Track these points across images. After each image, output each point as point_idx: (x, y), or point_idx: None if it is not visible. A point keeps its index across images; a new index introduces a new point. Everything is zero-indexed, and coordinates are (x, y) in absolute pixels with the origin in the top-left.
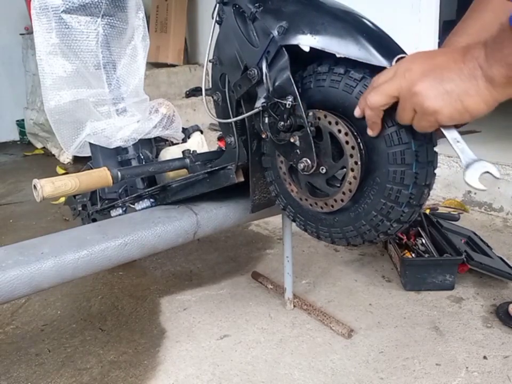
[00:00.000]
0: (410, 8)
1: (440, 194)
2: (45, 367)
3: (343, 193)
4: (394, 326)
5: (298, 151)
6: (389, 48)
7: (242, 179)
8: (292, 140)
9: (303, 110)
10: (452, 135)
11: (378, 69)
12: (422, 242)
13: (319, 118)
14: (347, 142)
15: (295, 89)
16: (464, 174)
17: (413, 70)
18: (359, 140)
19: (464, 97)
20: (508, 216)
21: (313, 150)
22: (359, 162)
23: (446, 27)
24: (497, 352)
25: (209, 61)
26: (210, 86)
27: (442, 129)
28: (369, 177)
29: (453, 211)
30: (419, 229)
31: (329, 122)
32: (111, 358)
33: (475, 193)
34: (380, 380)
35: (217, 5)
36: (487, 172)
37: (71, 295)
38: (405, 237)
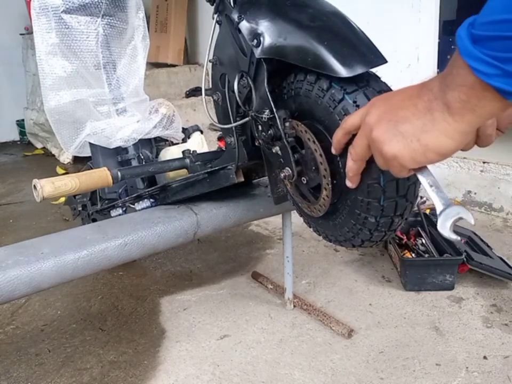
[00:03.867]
0: (410, 8)
1: None
2: (45, 367)
3: (320, 205)
4: (394, 326)
5: (281, 160)
6: (359, 53)
7: (242, 179)
8: (273, 150)
9: (279, 122)
10: (425, 178)
11: (362, 91)
12: (422, 242)
13: (301, 132)
14: (321, 163)
15: (271, 101)
16: (437, 221)
17: (371, 114)
18: (337, 159)
19: (420, 134)
20: (508, 216)
21: (292, 160)
22: (329, 185)
23: (446, 27)
24: (497, 352)
25: (209, 61)
26: (210, 86)
27: (415, 172)
28: (342, 198)
29: None
30: (419, 229)
31: (308, 139)
32: (111, 358)
33: (475, 193)
34: (379, 380)
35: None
36: (461, 218)
37: (71, 295)
38: (405, 237)
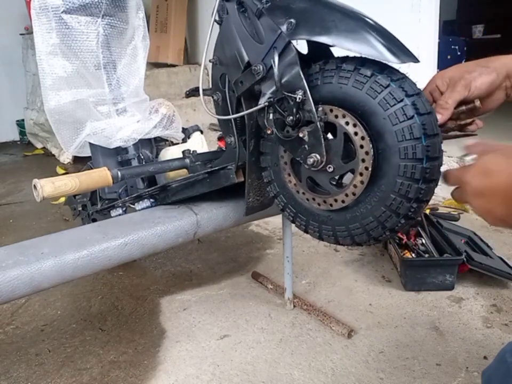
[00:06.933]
0: (410, 8)
1: (440, 194)
2: (45, 367)
3: (346, 195)
4: (394, 326)
5: (306, 146)
6: (400, 47)
7: (242, 179)
8: (300, 135)
9: (313, 105)
10: None
11: (405, 80)
12: (422, 242)
13: (336, 116)
14: (361, 146)
15: (305, 83)
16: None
17: (476, 178)
18: (373, 145)
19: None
20: None
21: (323, 145)
22: (369, 168)
23: (446, 27)
24: (497, 352)
25: (209, 61)
26: (210, 86)
27: None
28: (374, 184)
29: (453, 211)
30: (419, 229)
31: (347, 123)
32: (111, 358)
33: None
34: (379, 380)
35: (218, 2)
36: None
37: (71, 295)
38: (405, 237)
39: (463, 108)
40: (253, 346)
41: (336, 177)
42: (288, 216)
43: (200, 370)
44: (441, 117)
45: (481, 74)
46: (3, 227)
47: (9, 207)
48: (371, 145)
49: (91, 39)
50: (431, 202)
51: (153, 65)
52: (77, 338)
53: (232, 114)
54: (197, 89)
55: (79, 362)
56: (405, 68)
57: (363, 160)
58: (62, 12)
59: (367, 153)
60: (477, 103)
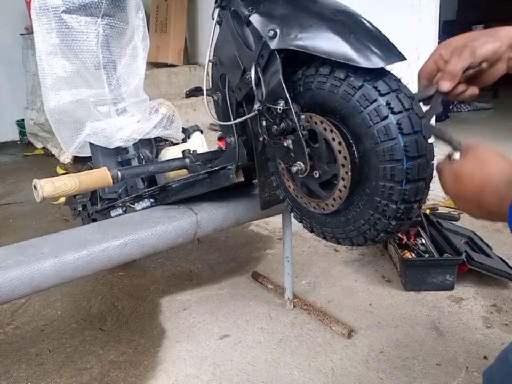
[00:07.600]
0: (410, 8)
1: (440, 194)
2: (45, 367)
3: (334, 199)
4: (394, 326)
5: (292, 154)
6: (380, 48)
7: (242, 179)
8: (285, 144)
9: (294, 114)
10: None
11: (380, 78)
12: (422, 242)
13: (315, 123)
14: (340, 152)
15: (286, 93)
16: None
17: (464, 162)
18: (353, 149)
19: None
20: None
21: (306, 153)
22: (349, 173)
23: (446, 27)
24: (497, 352)
25: (209, 61)
26: (210, 86)
27: None
28: (360, 188)
29: (453, 211)
30: (419, 229)
31: (325, 129)
32: (111, 358)
33: None
34: (379, 380)
35: (217, 10)
36: None
37: (71, 295)
38: (405, 237)
39: (470, 71)
40: (253, 346)
41: (334, 183)
42: (296, 218)
43: (200, 370)
44: (450, 83)
45: (486, 43)
46: (3, 227)
47: (9, 207)
48: (348, 150)
49: (91, 39)
50: (431, 202)
51: (153, 65)
52: (77, 338)
53: (233, 114)
54: (197, 89)
55: (79, 362)
56: (405, 68)
57: (343, 165)
58: (62, 12)
59: (345, 158)
60: (484, 65)
